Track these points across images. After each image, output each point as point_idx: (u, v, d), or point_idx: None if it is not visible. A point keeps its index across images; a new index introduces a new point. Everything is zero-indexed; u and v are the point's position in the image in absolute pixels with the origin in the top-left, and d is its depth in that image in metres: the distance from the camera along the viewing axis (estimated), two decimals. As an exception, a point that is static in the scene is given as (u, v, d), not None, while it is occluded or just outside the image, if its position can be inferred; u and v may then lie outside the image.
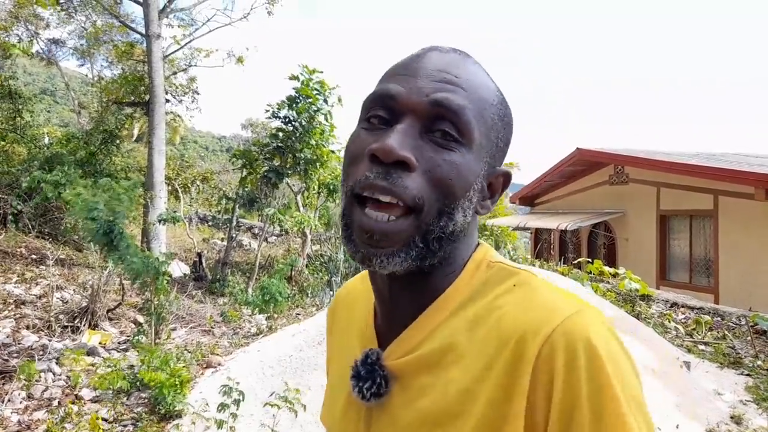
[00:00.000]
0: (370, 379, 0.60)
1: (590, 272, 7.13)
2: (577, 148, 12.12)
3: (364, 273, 0.81)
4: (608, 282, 6.89)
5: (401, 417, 0.58)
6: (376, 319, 0.68)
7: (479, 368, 0.54)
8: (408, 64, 0.60)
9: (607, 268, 7.03)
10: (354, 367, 0.63)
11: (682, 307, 6.49)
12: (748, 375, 4.50)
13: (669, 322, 5.77)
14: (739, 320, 5.93)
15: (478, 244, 0.66)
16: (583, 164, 12.57)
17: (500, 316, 0.55)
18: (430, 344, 0.59)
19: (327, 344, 0.84)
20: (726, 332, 5.56)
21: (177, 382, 3.82)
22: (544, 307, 0.54)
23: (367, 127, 0.60)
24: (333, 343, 0.81)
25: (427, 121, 0.56)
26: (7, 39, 11.45)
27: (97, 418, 3.65)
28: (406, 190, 0.54)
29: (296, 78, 9.18)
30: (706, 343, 5.24)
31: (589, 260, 7.68)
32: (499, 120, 0.62)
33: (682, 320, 5.98)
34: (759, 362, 4.75)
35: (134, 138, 13.61)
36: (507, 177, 0.65)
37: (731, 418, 3.82)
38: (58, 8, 10.86)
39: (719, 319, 6.05)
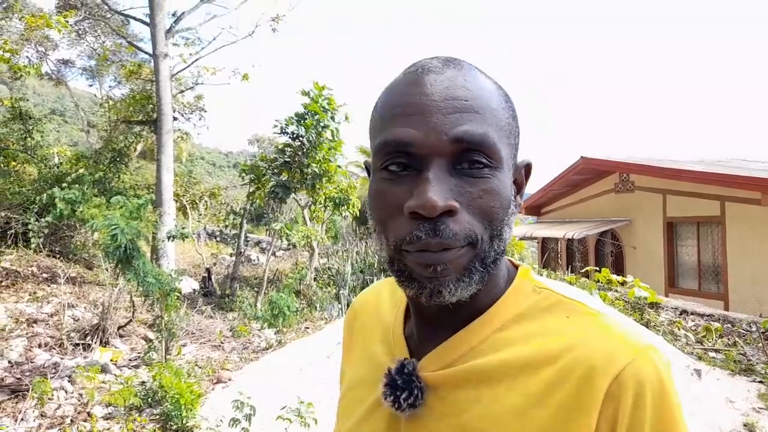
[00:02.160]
0: (407, 389, 0.59)
1: (598, 281, 7.11)
2: (582, 157, 12.12)
3: (381, 283, 0.82)
4: (616, 290, 6.87)
5: (438, 429, 0.58)
6: (405, 329, 0.68)
7: (533, 393, 0.54)
8: (409, 98, 0.56)
9: (615, 277, 7.00)
10: (388, 376, 0.61)
11: (692, 314, 6.45)
12: (760, 382, 4.45)
13: (679, 329, 5.74)
14: (750, 326, 5.88)
15: (518, 266, 0.67)
16: (588, 173, 12.57)
17: (556, 346, 0.56)
18: (474, 359, 0.58)
19: (344, 351, 0.84)
20: (737, 339, 5.51)
21: (191, 397, 3.85)
22: (610, 343, 0.54)
23: (389, 177, 0.57)
24: (352, 350, 0.80)
25: (453, 157, 0.54)
26: (18, 61, 11.67)
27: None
28: (457, 235, 0.53)
29: (307, 94, 9.32)
30: (716, 351, 5.20)
31: (597, 269, 7.66)
32: (511, 119, 0.60)
33: (692, 328, 5.94)
34: (771, 369, 4.71)
35: (137, 153, 13.74)
36: (528, 168, 0.65)
37: (744, 425, 3.79)
38: (69, 29, 11.08)
39: (729, 325, 6.00)
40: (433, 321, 0.63)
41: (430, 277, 0.54)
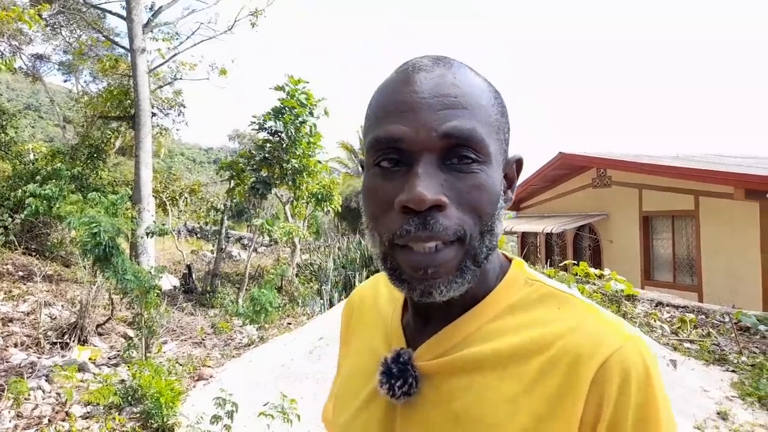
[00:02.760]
0: (402, 378, 0.61)
1: (576, 274, 7.22)
2: (560, 153, 12.26)
3: (378, 276, 0.83)
4: (594, 283, 6.98)
5: (431, 416, 0.60)
6: (402, 320, 0.70)
7: (524, 381, 0.56)
8: (400, 96, 0.57)
9: (592, 270, 7.11)
10: (384, 364, 0.63)
11: (667, 306, 6.58)
12: (732, 371, 4.55)
13: (654, 321, 5.86)
14: (723, 317, 6.02)
15: (511, 259, 0.68)
16: (566, 168, 12.72)
17: (547, 335, 0.57)
18: (466, 349, 0.60)
19: (341, 344, 0.85)
20: (710, 330, 5.63)
21: (171, 395, 3.82)
22: (597, 332, 0.56)
23: (381, 173, 0.58)
24: (350, 342, 0.81)
25: (442, 153, 0.56)
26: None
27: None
28: (447, 230, 0.54)
29: (282, 89, 9.23)
30: (691, 341, 5.31)
31: (575, 262, 7.77)
32: (500, 115, 0.61)
33: (668, 319, 6.06)
34: (743, 358, 4.81)
35: (115, 149, 13.47)
36: (519, 163, 0.66)
37: (717, 414, 3.87)
38: (43, 23, 10.83)
39: (703, 317, 6.14)
40: (428, 312, 0.65)
41: (420, 278, 0.56)
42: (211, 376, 4.87)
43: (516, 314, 0.61)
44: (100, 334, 5.96)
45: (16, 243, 8.76)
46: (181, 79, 12.57)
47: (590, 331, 0.56)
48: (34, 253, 9.10)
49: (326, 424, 0.89)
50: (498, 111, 0.61)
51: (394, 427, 0.63)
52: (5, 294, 6.99)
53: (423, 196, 0.52)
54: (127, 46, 10.38)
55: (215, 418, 3.27)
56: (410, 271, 0.56)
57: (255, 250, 11.66)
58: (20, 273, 7.93)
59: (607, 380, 0.53)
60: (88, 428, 3.84)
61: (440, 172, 0.55)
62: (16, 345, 5.50)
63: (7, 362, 5.08)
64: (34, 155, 12.22)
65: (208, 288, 9.40)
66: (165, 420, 3.77)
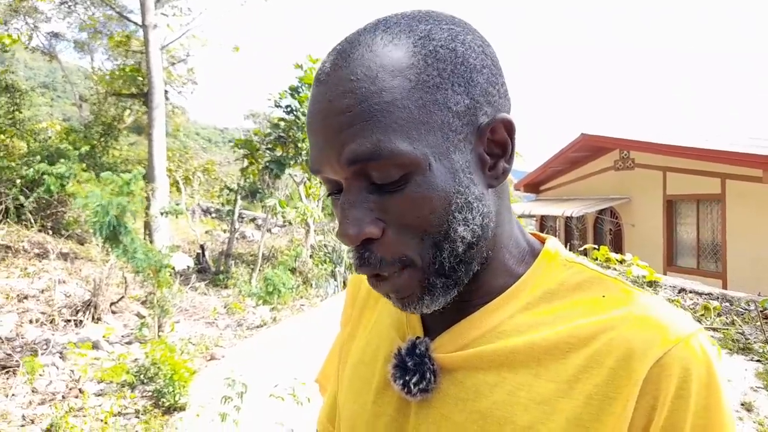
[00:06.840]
0: (419, 372, 0.54)
1: (596, 259, 7.06)
2: (582, 134, 12.00)
3: None
4: (615, 269, 6.83)
5: (452, 415, 0.53)
6: None
7: (562, 379, 0.49)
8: (309, 119, 0.51)
9: (613, 255, 6.94)
10: (398, 356, 0.56)
11: (690, 292, 6.43)
12: (758, 361, 4.46)
13: (677, 308, 5.73)
14: (748, 305, 5.88)
15: (544, 240, 0.60)
16: (588, 150, 12.46)
17: (591, 326, 0.50)
18: (495, 340, 0.53)
19: (345, 323, 0.76)
20: (735, 318, 5.51)
21: (184, 374, 3.80)
22: (653, 323, 0.48)
23: (332, 200, 0.54)
24: (357, 324, 0.72)
25: (361, 176, 0.48)
26: (6, 32, 11.37)
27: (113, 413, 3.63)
28: (384, 261, 0.49)
29: (300, 67, 9.15)
30: (714, 329, 5.19)
31: (596, 247, 7.60)
32: (436, 89, 0.48)
33: (690, 306, 5.93)
34: (769, 347, 4.71)
35: (126, 125, 13.46)
36: (506, 123, 0.52)
37: (742, 405, 3.79)
38: (56, 1, 10.78)
39: (728, 304, 6.00)
40: None
41: (392, 299, 0.52)
42: (223, 356, 4.85)
43: (553, 302, 0.53)
44: (113, 312, 5.99)
45: (32, 221, 8.84)
46: (193, 55, 12.48)
47: (643, 323, 0.48)
48: (49, 231, 9.18)
49: (321, 389, 0.86)
50: (432, 84, 0.47)
51: (407, 427, 0.56)
52: (21, 271, 7.05)
53: (349, 236, 0.48)
54: (140, 22, 10.30)
55: (226, 399, 3.23)
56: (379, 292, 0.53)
57: (269, 230, 11.65)
58: (35, 250, 8.00)
59: (663, 379, 0.45)
60: (100, 405, 3.85)
61: (369, 195, 0.48)
62: (31, 321, 5.54)
63: (22, 338, 5.12)
64: (51, 133, 12.29)
65: (222, 268, 9.41)
66: (176, 399, 3.76)
